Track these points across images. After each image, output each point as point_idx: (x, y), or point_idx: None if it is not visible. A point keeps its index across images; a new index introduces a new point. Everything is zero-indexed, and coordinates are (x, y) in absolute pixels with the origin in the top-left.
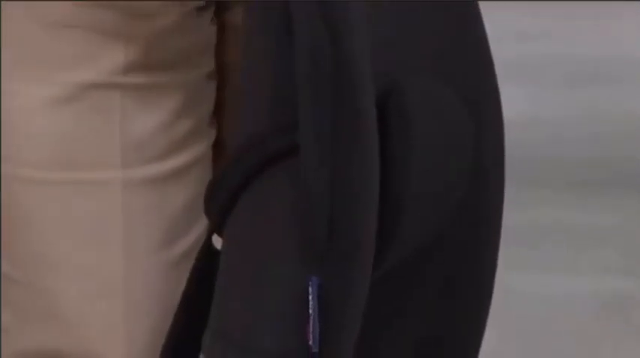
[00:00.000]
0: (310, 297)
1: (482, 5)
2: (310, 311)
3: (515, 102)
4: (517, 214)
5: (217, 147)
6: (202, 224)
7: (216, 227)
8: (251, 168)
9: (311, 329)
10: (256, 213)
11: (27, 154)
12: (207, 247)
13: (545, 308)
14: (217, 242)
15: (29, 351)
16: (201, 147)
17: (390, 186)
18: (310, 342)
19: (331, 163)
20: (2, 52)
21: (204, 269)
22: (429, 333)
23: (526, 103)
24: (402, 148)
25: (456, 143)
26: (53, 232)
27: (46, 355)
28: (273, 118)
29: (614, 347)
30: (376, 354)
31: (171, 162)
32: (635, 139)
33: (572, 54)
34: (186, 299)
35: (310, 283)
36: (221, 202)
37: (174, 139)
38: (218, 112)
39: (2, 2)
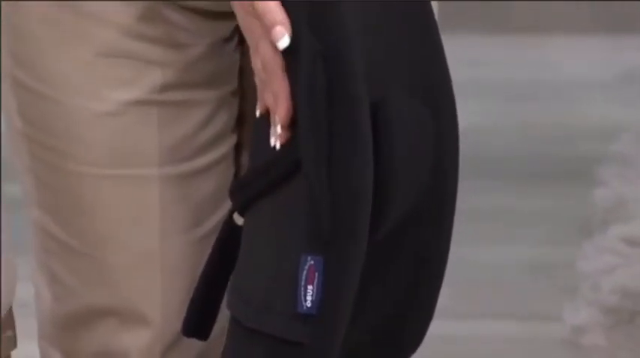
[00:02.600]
0: (316, 273)
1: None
2: (314, 282)
3: (470, 114)
4: (468, 200)
5: (238, 148)
6: (225, 209)
7: (239, 210)
8: (273, 175)
9: (312, 297)
10: (275, 206)
11: (86, 155)
12: (229, 222)
13: (488, 272)
14: (237, 218)
15: (86, 305)
16: (224, 149)
17: (379, 178)
18: (309, 305)
19: (331, 170)
20: (66, 73)
21: (226, 239)
22: (402, 294)
23: (478, 115)
24: (387, 150)
25: (423, 143)
26: (105, 215)
27: (101, 310)
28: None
29: (542, 302)
30: (359, 314)
31: (199, 161)
32: (560, 142)
33: (511, 77)
34: (211, 262)
35: (315, 261)
36: (246, 197)
37: (201, 143)
38: (240, 120)
39: (64, 42)
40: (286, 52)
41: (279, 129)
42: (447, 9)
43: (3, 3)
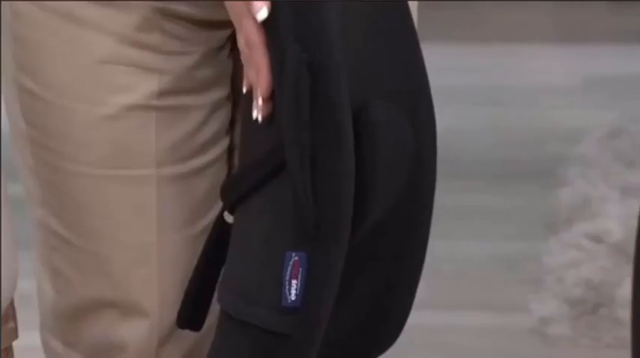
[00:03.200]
0: (300, 269)
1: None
2: (298, 277)
3: (445, 118)
4: (443, 198)
5: (230, 150)
6: (218, 207)
7: (229, 209)
8: (261, 175)
9: (296, 291)
10: (262, 205)
11: (87, 156)
12: (220, 220)
13: (462, 266)
14: (227, 216)
15: (87, 298)
16: (218, 151)
17: (360, 181)
18: (293, 298)
19: (315, 171)
20: (68, 79)
21: (218, 236)
22: (382, 289)
23: (452, 119)
24: (369, 154)
25: (403, 146)
26: (105, 213)
27: (98, 301)
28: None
29: (512, 294)
30: (342, 308)
31: (195, 163)
32: (527, 144)
33: (482, 83)
34: (204, 257)
35: (299, 258)
36: (235, 196)
37: (197, 146)
38: (232, 124)
39: (67, 48)
40: (272, 57)
41: (260, 101)
42: (424, 20)
43: (8, 13)
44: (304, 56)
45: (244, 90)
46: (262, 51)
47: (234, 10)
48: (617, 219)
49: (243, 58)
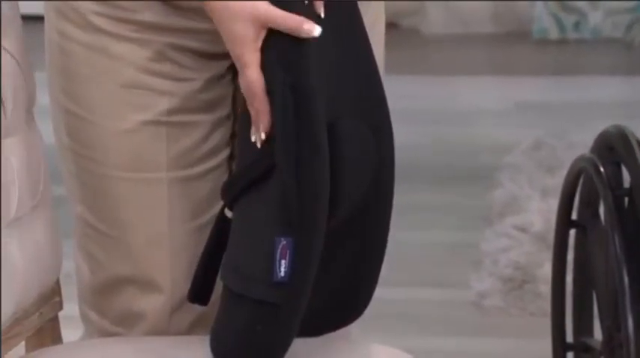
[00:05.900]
0: (287, 251)
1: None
2: (286, 257)
3: (399, 134)
4: (401, 197)
5: (231, 158)
6: (219, 204)
7: (228, 205)
8: (254, 176)
9: (285, 269)
10: (255, 201)
11: (111, 161)
12: (221, 215)
13: (415, 251)
14: (227, 212)
15: (113, 276)
16: (219, 160)
17: (332, 180)
18: (282, 275)
19: (298, 172)
20: (98, 101)
21: (220, 228)
22: (354, 268)
23: (405, 135)
24: (337, 160)
25: (366, 154)
26: (128, 208)
27: (124, 280)
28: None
29: (455, 273)
30: (321, 283)
31: (199, 168)
32: (468, 155)
33: (429, 107)
34: (209, 246)
35: (286, 242)
36: (233, 195)
37: (200, 155)
38: (232, 137)
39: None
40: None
41: (262, 135)
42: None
43: (57, 52)
44: (288, 80)
45: (239, 110)
46: (263, 98)
47: (238, 60)
48: (538, 214)
49: (245, 96)
